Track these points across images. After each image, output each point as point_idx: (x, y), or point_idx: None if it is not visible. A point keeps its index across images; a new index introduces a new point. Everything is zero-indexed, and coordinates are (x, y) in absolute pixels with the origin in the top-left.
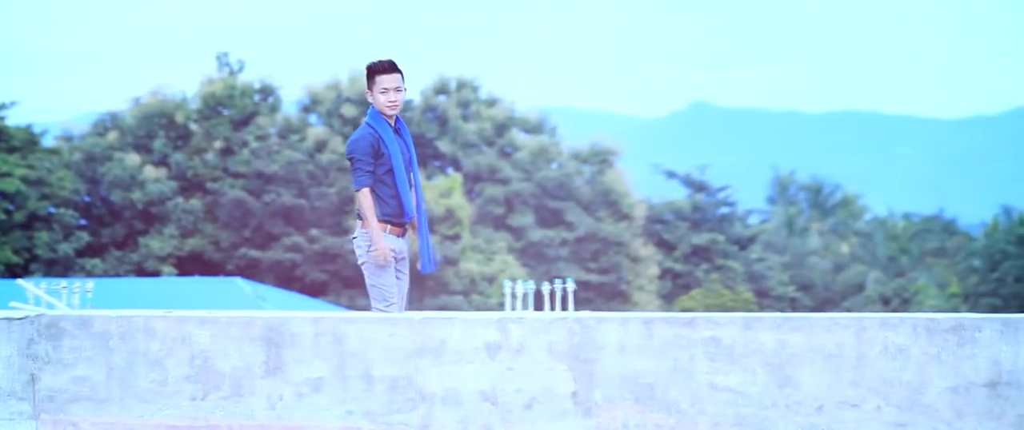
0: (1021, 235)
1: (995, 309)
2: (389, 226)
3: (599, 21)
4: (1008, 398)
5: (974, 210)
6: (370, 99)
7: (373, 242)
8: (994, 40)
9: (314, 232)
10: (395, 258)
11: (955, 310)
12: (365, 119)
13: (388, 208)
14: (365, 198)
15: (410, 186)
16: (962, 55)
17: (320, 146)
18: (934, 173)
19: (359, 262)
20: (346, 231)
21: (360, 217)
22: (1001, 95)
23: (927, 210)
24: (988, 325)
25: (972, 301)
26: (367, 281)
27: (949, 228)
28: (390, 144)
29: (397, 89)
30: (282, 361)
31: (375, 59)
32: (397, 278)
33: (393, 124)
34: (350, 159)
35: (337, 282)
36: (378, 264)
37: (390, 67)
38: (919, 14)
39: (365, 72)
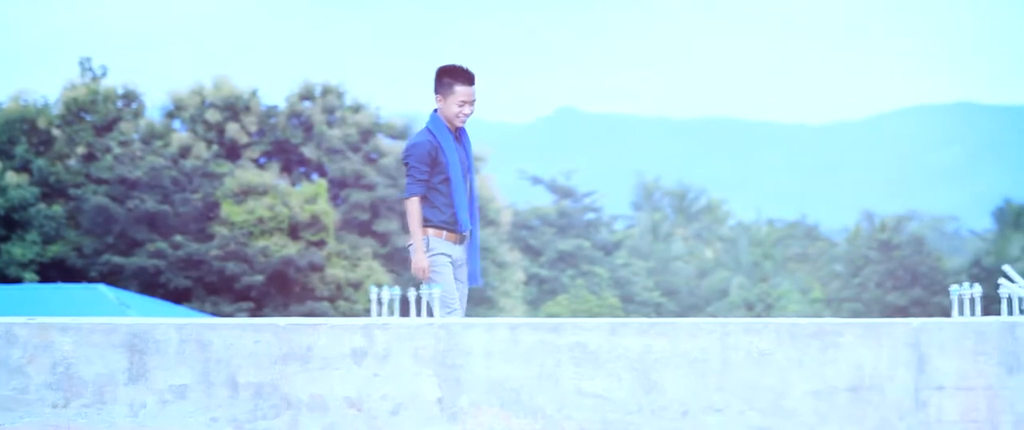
0: (882, 240)
1: (857, 314)
2: (446, 232)
3: (464, 26)
4: (870, 402)
5: (836, 215)
6: (440, 104)
7: (414, 254)
8: (856, 47)
9: (178, 238)
10: (453, 264)
11: (817, 315)
12: (426, 124)
13: (443, 216)
14: (413, 207)
15: (467, 196)
16: (825, 62)
17: (184, 152)
18: (797, 179)
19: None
20: (210, 237)
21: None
22: (863, 102)
23: (790, 216)
24: (850, 330)
25: (834, 306)
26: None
27: (812, 233)
28: (449, 153)
29: (473, 102)
30: (146, 368)
31: (454, 64)
32: (457, 281)
33: (455, 133)
34: (405, 164)
35: (201, 288)
36: (417, 277)
37: (473, 79)
38: (782, 22)
39: (440, 75)
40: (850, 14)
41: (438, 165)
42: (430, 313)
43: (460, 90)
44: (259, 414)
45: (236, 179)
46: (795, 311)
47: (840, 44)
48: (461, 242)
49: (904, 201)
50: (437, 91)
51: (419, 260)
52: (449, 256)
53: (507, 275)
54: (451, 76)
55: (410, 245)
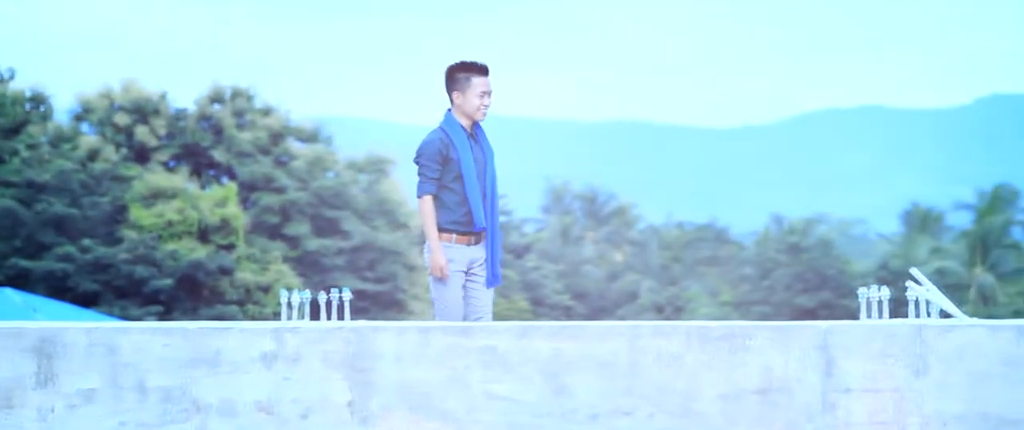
0: (791, 243)
1: (766, 317)
2: (455, 235)
3: (373, 29)
4: (778, 404)
5: (745, 219)
6: (457, 101)
7: (431, 252)
8: (765, 51)
9: (86, 242)
10: (465, 269)
11: (727, 318)
12: (440, 124)
13: (454, 215)
14: (425, 206)
15: (483, 195)
16: (734, 66)
17: (92, 155)
18: (707, 182)
19: (428, 273)
20: (119, 241)
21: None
22: (772, 105)
23: (700, 219)
24: (759, 333)
25: (743, 309)
26: (430, 293)
27: (721, 237)
28: (461, 150)
29: (490, 93)
30: (54, 372)
31: (468, 59)
32: (471, 286)
33: (470, 130)
34: (417, 163)
35: (109, 292)
36: (433, 277)
37: (487, 70)
38: (691, 26)
39: (454, 71)
40: (759, 18)
41: (450, 162)
42: (341, 316)
43: (478, 81)
44: (168, 418)
45: (145, 182)
46: (705, 314)
47: (749, 48)
48: (476, 242)
49: (813, 204)
50: (453, 89)
51: (436, 259)
52: (456, 261)
53: (417, 278)
54: (466, 70)
55: (425, 243)
